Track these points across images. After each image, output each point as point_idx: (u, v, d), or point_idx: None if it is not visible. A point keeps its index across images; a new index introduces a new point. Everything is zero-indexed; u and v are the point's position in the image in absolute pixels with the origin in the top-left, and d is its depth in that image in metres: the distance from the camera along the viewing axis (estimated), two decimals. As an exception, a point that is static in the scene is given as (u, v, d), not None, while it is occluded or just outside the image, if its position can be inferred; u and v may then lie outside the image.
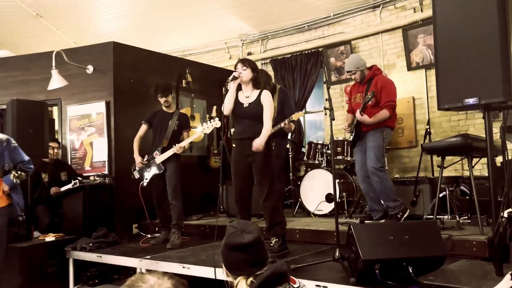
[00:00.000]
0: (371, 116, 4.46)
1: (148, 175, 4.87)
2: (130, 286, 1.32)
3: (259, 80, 4.03)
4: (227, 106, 3.96)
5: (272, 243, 3.86)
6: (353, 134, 4.65)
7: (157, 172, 4.81)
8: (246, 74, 3.94)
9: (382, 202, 4.57)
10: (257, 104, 3.93)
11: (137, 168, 4.95)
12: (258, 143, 3.77)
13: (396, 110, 4.65)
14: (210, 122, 4.68)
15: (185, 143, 4.80)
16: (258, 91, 3.98)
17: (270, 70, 7.86)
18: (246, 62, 4.00)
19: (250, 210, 4.11)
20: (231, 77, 3.93)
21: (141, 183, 4.91)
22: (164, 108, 5.00)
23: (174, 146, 4.75)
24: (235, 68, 4.04)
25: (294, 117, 4.57)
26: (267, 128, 3.89)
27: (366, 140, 4.57)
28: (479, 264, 3.20)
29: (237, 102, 3.98)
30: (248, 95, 3.98)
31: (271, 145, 4.04)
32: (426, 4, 6.49)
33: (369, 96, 4.40)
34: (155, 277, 1.34)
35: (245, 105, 3.96)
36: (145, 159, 4.88)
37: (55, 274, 4.65)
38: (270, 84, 5.13)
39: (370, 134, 4.54)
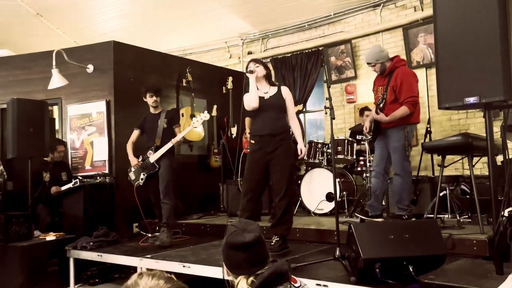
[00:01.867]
0: (389, 112, 4.28)
1: (144, 175, 4.86)
2: None
3: (270, 77, 4.12)
4: (253, 98, 3.91)
5: (273, 242, 3.86)
6: (373, 130, 4.48)
7: (152, 171, 4.82)
8: (260, 70, 4.02)
9: (394, 203, 4.50)
10: (278, 97, 3.98)
11: (132, 170, 4.95)
12: (304, 151, 4.01)
13: (418, 104, 4.40)
14: (200, 116, 4.76)
15: (180, 136, 4.79)
16: (275, 87, 4.06)
17: (270, 69, 7.87)
18: (257, 61, 4.14)
19: (258, 211, 4.11)
20: (248, 71, 3.99)
21: (136, 183, 4.88)
22: (151, 110, 4.99)
23: (169, 142, 4.74)
24: (246, 68, 4.08)
25: None
26: (299, 128, 4.05)
27: (387, 137, 4.40)
28: (479, 263, 3.21)
29: None
30: (266, 91, 4.02)
31: (291, 144, 4.01)
32: (426, 3, 6.48)
33: (380, 99, 4.26)
34: (149, 280, 1.32)
35: (266, 97, 3.98)
36: (139, 160, 4.89)
37: (55, 273, 4.65)
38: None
39: (391, 132, 4.35)
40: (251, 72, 3.94)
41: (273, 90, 4.01)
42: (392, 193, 4.52)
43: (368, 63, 4.57)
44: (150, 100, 4.92)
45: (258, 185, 3.96)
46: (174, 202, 4.81)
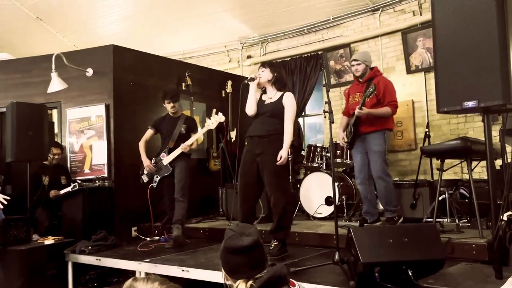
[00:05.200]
0: (369, 117, 4.44)
1: (157, 177, 4.94)
2: None
3: (280, 81, 4.03)
4: (250, 106, 3.98)
5: (272, 246, 3.85)
6: (351, 134, 4.60)
7: (166, 174, 4.87)
8: (264, 74, 3.99)
9: (383, 206, 4.57)
10: (277, 104, 3.95)
11: (145, 172, 5.00)
12: (283, 158, 3.74)
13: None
14: (214, 117, 4.76)
15: (191, 141, 4.82)
16: (281, 92, 4.00)
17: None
18: (266, 64, 4.10)
19: (254, 213, 4.07)
20: (248, 78, 4.01)
21: (150, 185, 4.97)
22: (170, 113, 5.05)
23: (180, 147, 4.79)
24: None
25: None
26: (289, 134, 3.84)
27: (367, 143, 4.53)
28: (478, 267, 3.21)
29: (259, 100, 4.04)
30: (271, 96, 4.02)
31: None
32: (425, 7, 6.50)
33: (371, 90, 4.26)
34: (144, 284, 1.33)
35: (266, 102, 4.01)
36: (152, 162, 4.93)
37: (54, 277, 4.63)
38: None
39: (371, 137, 4.49)
40: (252, 79, 3.97)
41: (276, 96, 3.99)
42: (379, 197, 4.59)
43: (353, 60, 4.73)
44: (168, 106, 4.99)
45: (247, 188, 3.91)
46: (188, 204, 4.86)
